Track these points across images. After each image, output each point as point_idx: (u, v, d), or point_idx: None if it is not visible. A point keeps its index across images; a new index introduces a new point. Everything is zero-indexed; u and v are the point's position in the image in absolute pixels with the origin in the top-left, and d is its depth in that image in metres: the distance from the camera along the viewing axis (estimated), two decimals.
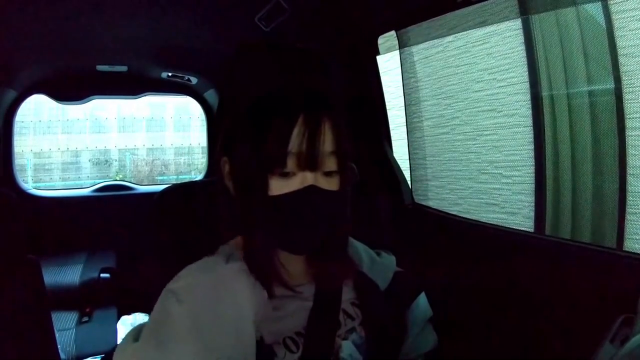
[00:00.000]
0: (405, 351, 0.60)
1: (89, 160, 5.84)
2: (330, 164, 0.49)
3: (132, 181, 2.84)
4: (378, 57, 1.16)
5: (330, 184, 0.50)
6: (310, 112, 0.48)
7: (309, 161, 0.47)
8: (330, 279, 0.56)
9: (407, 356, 0.60)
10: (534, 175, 2.03)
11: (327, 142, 0.48)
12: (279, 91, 0.49)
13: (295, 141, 0.47)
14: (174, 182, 0.91)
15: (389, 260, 0.64)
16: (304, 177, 0.48)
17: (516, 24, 2.05)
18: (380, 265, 0.62)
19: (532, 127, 2.03)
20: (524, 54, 2.05)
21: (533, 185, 2.04)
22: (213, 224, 0.59)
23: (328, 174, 0.50)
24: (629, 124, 1.63)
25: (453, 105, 2.51)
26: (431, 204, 1.18)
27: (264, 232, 0.50)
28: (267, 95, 0.49)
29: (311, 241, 0.51)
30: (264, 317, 0.50)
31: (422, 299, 0.63)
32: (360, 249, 0.64)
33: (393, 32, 1.11)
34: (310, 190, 0.48)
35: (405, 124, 1.41)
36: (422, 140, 2.56)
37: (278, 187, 0.48)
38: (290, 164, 0.47)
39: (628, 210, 1.63)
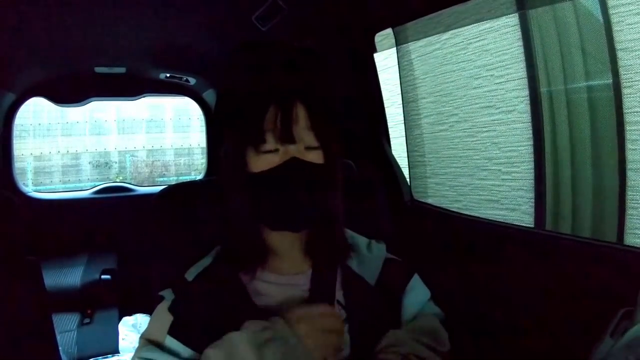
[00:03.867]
0: None
1: (89, 163, 5.84)
2: (309, 139, 0.54)
3: (133, 183, 2.84)
4: (375, 55, 1.16)
5: (315, 158, 0.54)
6: (283, 96, 0.53)
7: (284, 133, 0.52)
8: (327, 259, 0.58)
9: None
10: (533, 171, 2.03)
11: (302, 119, 0.53)
12: (258, 83, 0.54)
13: (270, 119, 0.52)
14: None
15: (378, 249, 0.64)
16: (286, 151, 0.52)
17: (513, 19, 2.04)
18: (369, 259, 0.62)
19: (530, 123, 2.02)
20: (522, 50, 2.04)
21: (532, 181, 2.04)
22: (213, 223, 0.59)
23: (310, 148, 0.54)
24: (627, 118, 1.62)
25: (451, 102, 2.51)
26: (430, 201, 1.18)
27: (248, 210, 0.54)
28: (249, 87, 0.55)
29: (300, 215, 0.54)
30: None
31: (416, 281, 0.63)
32: (357, 238, 0.65)
33: (390, 30, 1.11)
34: (293, 162, 0.52)
35: (403, 121, 1.41)
36: (421, 137, 2.57)
37: (265, 162, 0.52)
38: (270, 138, 0.52)
39: (628, 205, 1.63)
